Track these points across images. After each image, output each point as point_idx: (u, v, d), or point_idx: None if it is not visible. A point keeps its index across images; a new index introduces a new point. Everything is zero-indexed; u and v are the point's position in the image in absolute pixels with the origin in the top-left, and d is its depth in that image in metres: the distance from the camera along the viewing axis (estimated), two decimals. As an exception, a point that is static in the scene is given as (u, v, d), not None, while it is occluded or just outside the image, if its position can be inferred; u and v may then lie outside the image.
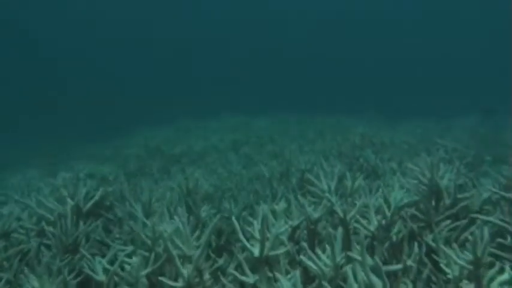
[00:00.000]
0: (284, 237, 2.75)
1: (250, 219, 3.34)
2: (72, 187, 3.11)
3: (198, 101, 22.06)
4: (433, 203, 2.92)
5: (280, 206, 2.39)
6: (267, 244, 2.17)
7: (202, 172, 6.92)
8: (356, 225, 2.50)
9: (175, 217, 2.32)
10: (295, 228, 2.72)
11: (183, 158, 8.10)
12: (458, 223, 2.86)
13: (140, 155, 8.26)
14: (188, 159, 8.05)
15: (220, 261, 3.12)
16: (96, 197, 3.26)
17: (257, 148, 8.46)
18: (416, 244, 2.65)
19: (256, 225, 2.27)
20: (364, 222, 2.39)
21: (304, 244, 2.18)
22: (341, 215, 2.34)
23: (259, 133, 9.75)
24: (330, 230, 1.93)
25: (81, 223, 2.98)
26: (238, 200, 4.49)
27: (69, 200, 3.11)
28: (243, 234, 3.16)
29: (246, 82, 32.80)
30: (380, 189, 3.17)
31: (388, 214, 2.35)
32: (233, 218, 2.32)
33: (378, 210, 2.65)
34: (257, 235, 2.18)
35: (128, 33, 41.69)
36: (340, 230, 2.05)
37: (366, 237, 2.49)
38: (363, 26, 42.10)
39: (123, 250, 2.70)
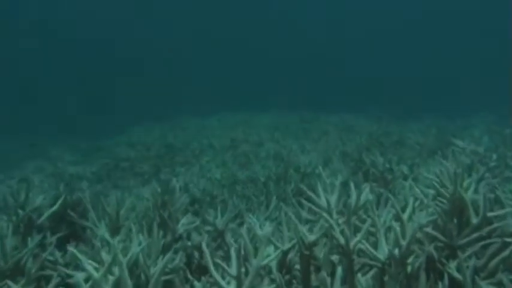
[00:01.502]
0: (273, 264, 2.24)
1: (232, 241, 2.82)
2: (22, 194, 2.61)
3: (198, 98, 21.57)
4: (456, 221, 2.39)
5: (265, 230, 1.88)
6: (246, 282, 1.66)
7: (196, 171, 6.45)
8: (362, 246, 1.99)
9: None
10: (286, 253, 2.21)
11: (177, 157, 7.62)
12: (483, 242, 2.34)
13: (132, 153, 7.78)
14: (182, 158, 7.57)
15: (198, 287, 2.63)
16: (55, 208, 2.77)
17: (256, 147, 7.96)
18: (436, 276, 2.14)
19: (233, 255, 1.76)
20: (371, 249, 1.87)
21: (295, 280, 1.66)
22: (342, 242, 1.82)
23: (260, 131, 9.24)
24: (325, 274, 1.42)
25: (29, 240, 2.49)
26: (228, 208, 4.01)
27: (20, 211, 2.62)
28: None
29: (248, 79, 32.24)
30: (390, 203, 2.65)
31: (403, 243, 1.82)
32: (203, 245, 1.81)
33: (389, 231, 2.13)
34: (233, 270, 1.67)
35: (128, 32, 41.32)
36: (339, 270, 1.55)
37: (373, 267, 1.98)
38: (369, 24, 41.33)
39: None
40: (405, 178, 4.10)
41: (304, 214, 3.46)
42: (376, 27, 40.37)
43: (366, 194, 2.33)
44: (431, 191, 3.07)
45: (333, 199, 2.34)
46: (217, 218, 3.23)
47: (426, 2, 39.71)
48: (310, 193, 2.37)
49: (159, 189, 2.86)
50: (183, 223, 3.11)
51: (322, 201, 2.34)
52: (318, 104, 13.54)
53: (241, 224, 3.96)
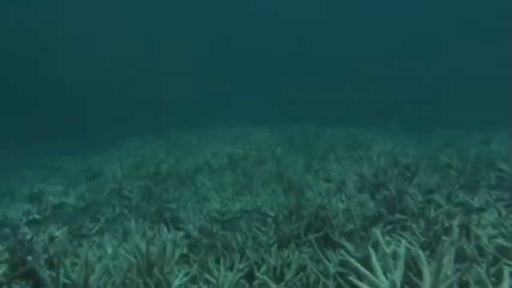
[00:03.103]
0: None
1: None
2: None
3: (193, 110, 20.77)
4: None
5: None
6: None
7: (190, 196, 5.70)
8: None
9: None
10: None
11: (169, 178, 6.85)
12: None
13: (118, 174, 6.99)
14: (176, 179, 6.80)
15: None
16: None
17: (257, 165, 7.22)
18: None
19: None
20: None
21: None
22: None
23: (260, 146, 8.50)
24: None
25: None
26: (232, 255, 3.28)
27: None
28: None
29: (246, 90, 31.45)
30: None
31: None
32: None
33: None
34: None
35: (125, 34, 40.56)
36: None
37: None
38: (374, 29, 40.65)
39: None
40: (448, 213, 3.39)
41: (332, 268, 2.73)
42: (380, 32, 39.67)
43: (446, 272, 1.60)
44: (504, 242, 2.36)
45: (397, 278, 1.60)
46: (221, 276, 2.50)
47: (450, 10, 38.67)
48: (363, 270, 1.64)
49: (143, 247, 2.11)
50: (177, 286, 2.37)
51: (380, 280, 1.60)
52: (323, 116, 12.75)
53: (249, 277, 3.23)
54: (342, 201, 4.33)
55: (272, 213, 3.84)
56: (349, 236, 3.83)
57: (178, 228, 4.66)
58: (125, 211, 5.37)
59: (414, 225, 3.49)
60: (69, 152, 10.33)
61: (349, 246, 3.39)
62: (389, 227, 3.50)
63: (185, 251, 4.03)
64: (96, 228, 4.21)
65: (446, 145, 7.60)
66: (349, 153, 7.33)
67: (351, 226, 3.57)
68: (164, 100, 26.84)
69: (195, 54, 41.22)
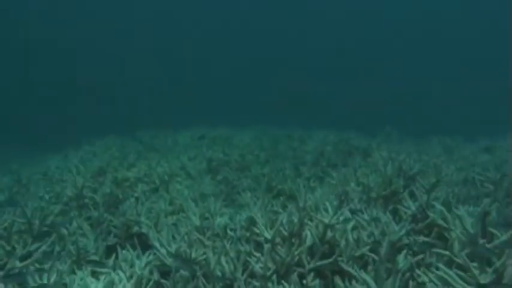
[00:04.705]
0: None
1: None
2: None
3: (168, 109, 19.74)
4: None
5: None
6: None
7: (163, 210, 4.84)
8: None
9: None
10: None
11: (140, 184, 5.96)
12: None
13: (80, 180, 6.02)
14: (147, 186, 5.94)
15: None
16: None
17: (240, 172, 6.43)
18: None
19: None
20: None
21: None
22: None
23: (242, 151, 7.70)
24: None
25: None
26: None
27: None
28: None
29: (227, 90, 30.45)
30: None
31: None
32: None
33: None
34: None
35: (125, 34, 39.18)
36: None
37: None
38: (369, 31, 40.36)
39: None
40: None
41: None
42: (376, 34, 39.40)
43: None
44: None
45: None
46: None
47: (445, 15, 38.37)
48: None
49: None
50: None
51: None
52: (309, 118, 12.00)
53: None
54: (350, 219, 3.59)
55: (269, 235, 3.03)
56: (362, 262, 3.09)
57: (148, 247, 3.82)
58: (85, 224, 4.48)
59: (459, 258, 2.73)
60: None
61: (370, 281, 2.63)
62: (420, 256, 2.76)
63: (156, 277, 3.22)
64: (41, 249, 3.31)
65: (445, 152, 7.02)
66: (342, 159, 6.63)
67: (370, 254, 2.83)
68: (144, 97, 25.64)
69: (193, 55, 40.00)
